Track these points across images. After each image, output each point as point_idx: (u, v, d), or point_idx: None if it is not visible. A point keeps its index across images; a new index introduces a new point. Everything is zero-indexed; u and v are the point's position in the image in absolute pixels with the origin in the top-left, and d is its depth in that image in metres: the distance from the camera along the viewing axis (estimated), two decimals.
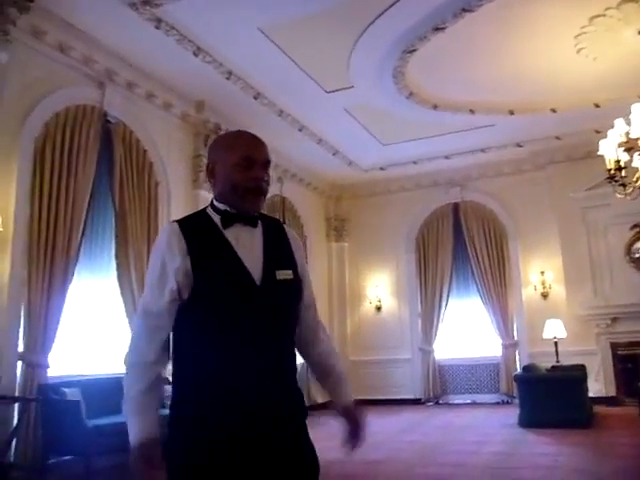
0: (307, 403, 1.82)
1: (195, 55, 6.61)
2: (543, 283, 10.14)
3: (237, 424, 1.55)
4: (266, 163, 1.72)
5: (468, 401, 10.51)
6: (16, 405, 5.24)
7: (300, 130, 8.92)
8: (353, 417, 1.81)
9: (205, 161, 7.37)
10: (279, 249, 1.75)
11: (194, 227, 1.68)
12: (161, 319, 1.62)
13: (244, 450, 1.55)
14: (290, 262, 1.76)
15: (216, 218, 1.70)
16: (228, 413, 1.55)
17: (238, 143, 1.73)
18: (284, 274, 1.70)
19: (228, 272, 1.61)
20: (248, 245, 1.68)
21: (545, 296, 10.11)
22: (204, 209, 1.76)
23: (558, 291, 9.99)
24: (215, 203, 1.74)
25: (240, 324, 1.59)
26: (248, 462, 1.55)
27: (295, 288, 1.75)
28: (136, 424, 1.59)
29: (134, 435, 1.58)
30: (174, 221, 1.71)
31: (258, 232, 1.73)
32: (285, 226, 1.87)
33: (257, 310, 1.61)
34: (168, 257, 1.61)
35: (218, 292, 1.59)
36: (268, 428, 1.58)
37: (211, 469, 1.54)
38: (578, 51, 6.88)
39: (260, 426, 1.57)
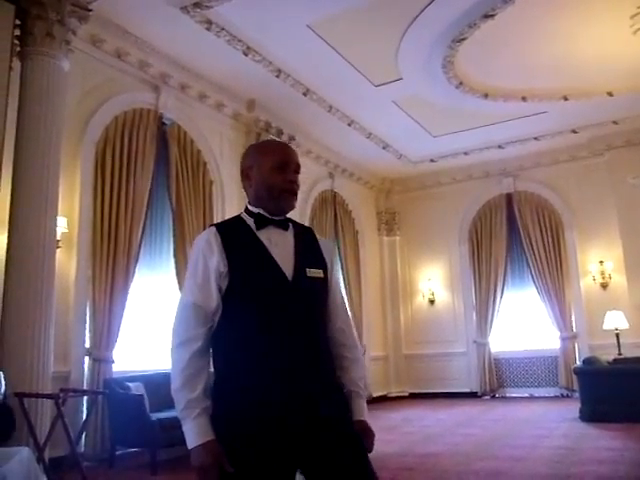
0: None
1: (245, 54, 6.72)
2: (602, 273, 9.83)
3: (266, 416, 1.61)
4: (297, 167, 1.85)
5: (525, 395, 10.31)
6: (84, 398, 5.48)
7: (350, 125, 8.94)
8: (364, 436, 1.79)
9: None
10: (309, 250, 1.86)
11: (230, 229, 1.80)
12: (215, 315, 1.71)
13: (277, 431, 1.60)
14: (320, 262, 1.86)
15: (250, 221, 1.82)
16: (257, 407, 1.61)
17: (273, 149, 1.87)
18: (314, 272, 1.80)
19: (261, 268, 1.73)
20: (280, 244, 1.79)
21: (605, 286, 9.81)
22: (239, 215, 1.87)
23: (619, 281, 9.66)
24: (249, 207, 1.85)
25: (272, 318, 1.68)
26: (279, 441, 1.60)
27: (325, 287, 1.85)
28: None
29: None
30: (212, 225, 1.84)
31: (289, 234, 1.85)
32: (316, 233, 1.97)
33: (289, 304, 1.70)
34: (208, 256, 1.72)
35: (252, 286, 1.70)
36: (300, 421, 1.63)
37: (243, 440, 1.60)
38: (635, 32, 6.62)
39: (291, 419, 1.62)
